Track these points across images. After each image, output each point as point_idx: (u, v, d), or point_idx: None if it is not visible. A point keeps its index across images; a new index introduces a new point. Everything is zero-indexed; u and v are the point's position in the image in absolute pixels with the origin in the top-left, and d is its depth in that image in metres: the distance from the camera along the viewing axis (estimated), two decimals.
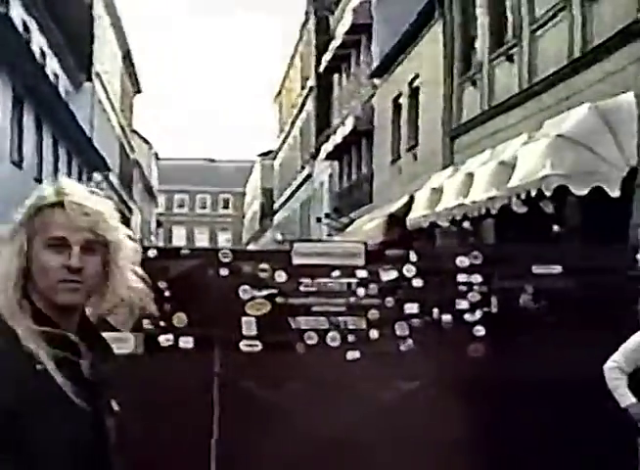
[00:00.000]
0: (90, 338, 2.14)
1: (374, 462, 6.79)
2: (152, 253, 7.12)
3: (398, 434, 6.79)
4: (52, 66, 28.42)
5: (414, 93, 21.67)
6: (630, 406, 5.28)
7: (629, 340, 5.45)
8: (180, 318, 7.00)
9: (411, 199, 14.88)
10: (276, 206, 56.52)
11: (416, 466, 6.77)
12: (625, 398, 5.30)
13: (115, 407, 2.18)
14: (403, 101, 22.79)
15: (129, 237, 2.16)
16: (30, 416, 1.93)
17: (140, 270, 2.17)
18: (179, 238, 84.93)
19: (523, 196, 9.61)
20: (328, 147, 32.43)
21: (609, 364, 5.41)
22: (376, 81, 26.21)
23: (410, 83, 21.98)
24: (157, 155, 75.85)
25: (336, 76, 35.45)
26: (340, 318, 7.05)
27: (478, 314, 7.03)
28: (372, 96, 27.00)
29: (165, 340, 6.95)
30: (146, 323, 6.93)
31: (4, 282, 2.02)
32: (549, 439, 6.82)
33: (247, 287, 7.06)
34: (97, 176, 36.29)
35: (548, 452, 6.79)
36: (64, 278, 2.03)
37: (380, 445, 6.77)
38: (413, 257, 7.13)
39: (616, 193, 8.71)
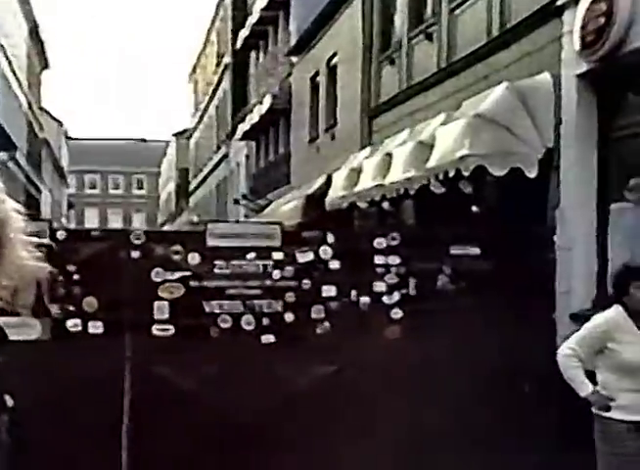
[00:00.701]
0: None
1: (289, 447, 6.78)
2: (60, 234, 6.96)
3: (315, 418, 6.80)
4: None
5: (332, 71, 21.63)
6: (590, 395, 5.07)
7: (584, 326, 5.33)
8: (90, 303, 6.87)
9: (329, 179, 14.87)
10: (192, 186, 56.02)
11: (331, 450, 6.79)
12: (585, 386, 5.10)
13: (9, 403, 2.04)
14: (321, 79, 22.75)
15: (17, 211, 2.02)
16: None
17: (30, 241, 2.03)
18: (91, 220, 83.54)
19: (441, 176, 9.68)
20: (244, 126, 32.21)
21: (565, 352, 5.21)
22: (293, 59, 26.11)
23: (328, 61, 21.93)
24: (67, 134, 74.34)
25: (253, 54, 35.19)
26: (255, 301, 7.02)
27: (395, 296, 7.08)
28: (290, 74, 26.90)
29: (74, 325, 6.81)
30: (54, 308, 6.79)
31: None
32: (467, 420, 6.90)
33: (159, 270, 6.97)
34: (2, 155, 35.37)
35: (465, 434, 6.88)
36: None
37: (296, 429, 6.77)
38: (330, 238, 7.13)
39: (533, 174, 8.83)
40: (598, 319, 5.32)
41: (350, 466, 6.81)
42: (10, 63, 37.89)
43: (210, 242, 7.04)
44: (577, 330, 5.42)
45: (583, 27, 8.35)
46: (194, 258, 6.99)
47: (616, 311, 5.17)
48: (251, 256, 7.03)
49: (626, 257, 8.14)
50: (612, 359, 5.08)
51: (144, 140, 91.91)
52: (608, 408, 5.05)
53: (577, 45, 8.48)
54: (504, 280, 7.23)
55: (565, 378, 5.20)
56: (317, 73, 23.21)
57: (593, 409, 5.16)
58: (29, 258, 2.01)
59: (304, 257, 7.09)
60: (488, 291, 7.22)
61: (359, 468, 6.83)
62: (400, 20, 16.02)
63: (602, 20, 7.99)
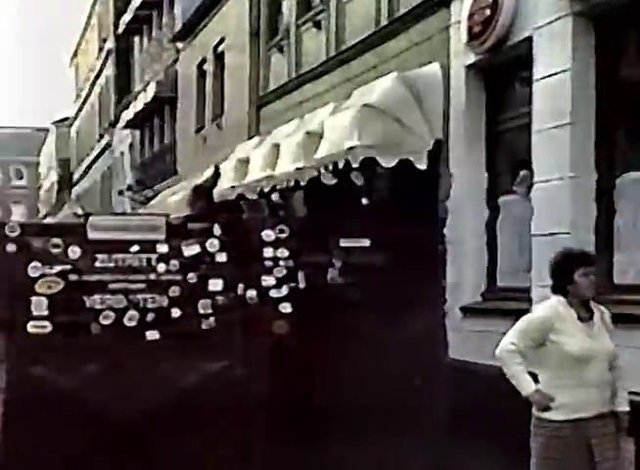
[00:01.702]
0: None
1: (174, 446, 6.70)
2: None
3: (201, 416, 6.73)
4: None
5: (219, 59, 21.45)
6: (533, 394, 4.82)
7: (523, 319, 5.08)
8: None
9: (217, 170, 14.74)
10: (75, 177, 54.84)
11: (219, 448, 6.75)
12: (528, 384, 4.86)
13: None
14: (208, 67, 22.53)
15: None
16: None
17: None
18: None
19: (331, 167, 9.69)
20: (128, 114, 31.64)
21: (507, 347, 4.94)
22: (179, 45, 25.79)
23: (215, 48, 21.73)
24: None
25: (136, 39, 34.59)
26: (138, 296, 6.89)
27: (284, 290, 7.06)
28: (175, 61, 26.57)
29: None
30: None
31: None
32: (354, 415, 6.94)
33: (37, 264, 6.77)
34: None
35: (354, 427, 6.93)
36: None
37: (181, 428, 6.69)
38: (217, 230, 7.06)
39: (422, 165, 8.93)
40: (538, 311, 5.18)
41: (237, 463, 6.78)
42: None
43: (92, 235, 6.88)
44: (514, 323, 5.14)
45: (470, 18, 8.49)
46: (74, 252, 6.82)
47: (556, 301, 4.99)
48: (134, 248, 6.90)
49: (515, 249, 8.35)
50: (553, 353, 4.90)
51: (22, 127, 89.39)
52: (547, 408, 4.87)
53: (465, 36, 8.62)
54: (394, 273, 7.29)
55: (507, 375, 4.96)
56: (204, 61, 22.98)
57: (533, 410, 4.95)
58: None
59: (190, 249, 7.00)
60: (379, 283, 7.27)
61: (245, 465, 6.81)
62: (288, 6, 16.00)
63: (488, 11, 8.14)
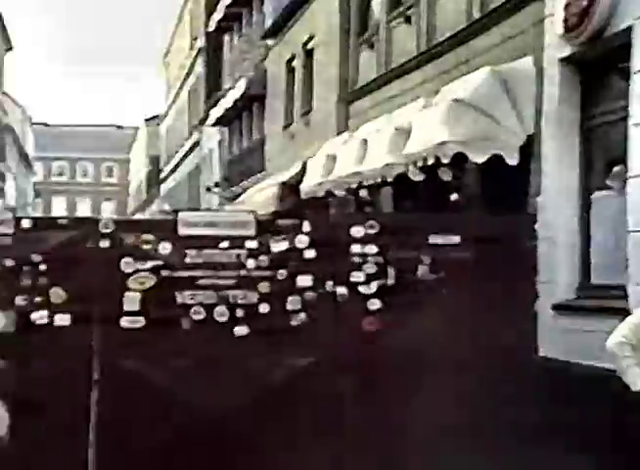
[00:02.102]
0: None
1: (263, 440, 6.77)
2: (26, 223, 6.91)
3: (289, 412, 6.79)
4: None
5: (308, 55, 21.54)
6: None
7: (636, 313, 4.97)
8: (57, 294, 6.81)
9: (304, 166, 14.83)
10: (163, 174, 55.74)
11: (307, 445, 6.80)
12: (637, 379, 4.74)
13: None
14: (297, 63, 22.65)
15: None
16: None
17: None
18: (59, 209, 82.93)
19: (420, 163, 9.67)
20: (218, 112, 32.04)
21: (617, 340, 4.84)
22: (269, 42, 25.99)
23: (304, 45, 21.84)
24: (31, 119, 73.73)
25: (227, 37, 35.00)
26: (228, 292, 6.98)
27: (373, 287, 7.07)
28: (265, 58, 26.78)
29: (40, 317, 6.75)
30: (19, 300, 6.74)
31: None
32: (442, 414, 6.91)
33: (129, 259, 6.92)
34: None
35: (441, 427, 6.90)
36: None
37: (270, 424, 6.76)
38: (306, 227, 7.11)
39: (514, 161, 8.84)
40: None
41: (325, 460, 6.82)
42: None
43: (182, 231, 7.01)
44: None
45: (566, 9, 8.34)
46: (165, 248, 6.95)
47: None
48: (224, 245, 7.00)
49: (610, 246, 8.19)
50: None
51: (114, 126, 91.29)
52: None
53: (560, 28, 8.47)
54: (484, 269, 7.24)
55: (617, 369, 4.90)
56: (293, 57, 23.10)
57: None
58: None
59: (279, 246, 7.07)
60: (469, 280, 7.23)
61: (334, 462, 6.84)
62: (378, 1, 15.98)
63: (585, 2, 7.98)
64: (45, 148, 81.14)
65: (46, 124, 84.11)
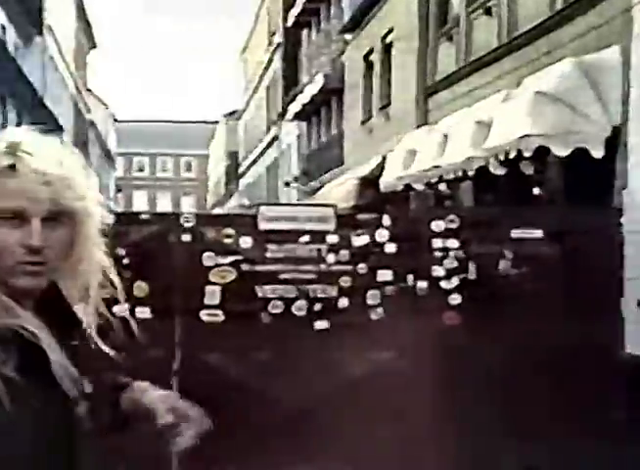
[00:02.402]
0: (55, 316, 1.84)
1: (343, 437, 6.76)
2: (109, 218, 6.99)
3: (369, 407, 6.76)
4: None
5: (387, 49, 21.49)
6: None
7: None
8: (140, 287, 6.90)
9: (384, 160, 14.79)
10: (242, 169, 56.24)
11: (387, 440, 6.77)
12: None
13: (88, 389, 1.90)
14: (375, 57, 22.61)
15: (100, 204, 1.89)
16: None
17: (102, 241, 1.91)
18: (140, 203, 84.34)
19: (501, 157, 9.56)
20: (296, 107, 32.21)
21: None
22: (347, 37, 25.98)
23: (383, 38, 21.79)
24: (114, 116, 75.08)
25: (304, 32, 35.13)
26: (308, 286, 6.99)
27: (454, 281, 7.00)
28: (342, 52, 26.79)
29: (121, 310, 6.84)
30: (102, 293, 6.84)
31: None
32: (526, 409, 6.82)
33: (211, 253, 6.97)
34: None
35: (527, 422, 6.80)
36: (23, 260, 1.72)
37: (350, 419, 6.74)
38: (386, 221, 7.07)
39: (599, 153, 8.68)
40: None
41: (405, 453, 6.78)
42: (57, 44, 38.35)
43: (262, 225, 7.03)
44: None
45: None
46: (246, 242, 6.99)
47: None
48: (304, 239, 7.00)
49: None
50: None
51: (193, 122, 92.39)
52: None
53: None
54: (568, 264, 7.11)
55: None
56: (371, 51, 23.06)
57: None
58: (103, 255, 1.90)
59: (360, 240, 7.04)
60: (552, 276, 7.11)
61: (416, 456, 6.80)
62: None
63: None
64: (126, 144, 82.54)
65: (128, 120, 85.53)
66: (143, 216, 7.24)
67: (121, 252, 6.83)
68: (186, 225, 7.00)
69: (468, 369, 6.80)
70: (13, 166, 1.73)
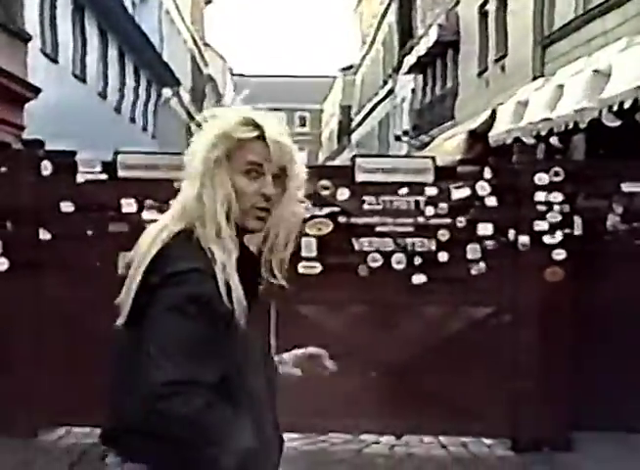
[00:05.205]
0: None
1: (437, 391, 6.69)
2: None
3: (468, 363, 6.66)
4: None
5: None
6: None
7: None
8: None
9: (494, 113, 14.44)
10: (354, 123, 56.05)
11: (485, 396, 6.66)
12: None
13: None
14: (490, 7, 22.07)
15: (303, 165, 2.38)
16: (245, 366, 2.22)
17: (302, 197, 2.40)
18: None
19: (616, 107, 9.17)
20: (411, 59, 31.77)
21: None
22: None
23: None
24: (231, 70, 75.74)
25: None
26: (406, 239, 6.88)
27: (558, 236, 6.77)
28: (457, 3, 26.25)
29: None
30: None
31: (215, 209, 2.19)
32: (630, 370, 6.60)
33: (307, 205, 6.90)
34: (167, 91, 36.40)
35: (628, 379, 6.59)
36: (258, 205, 2.26)
37: (448, 375, 6.65)
38: (487, 173, 6.88)
39: None
40: None
41: (500, 410, 6.68)
42: None
43: (360, 177, 6.94)
44: None
45: None
46: (343, 194, 6.91)
47: None
48: (402, 191, 6.87)
49: None
50: None
51: (308, 76, 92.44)
52: None
53: None
54: None
55: None
56: (486, 1, 22.55)
57: None
58: (300, 208, 2.41)
59: (460, 193, 6.88)
60: None
61: (515, 408, 6.69)
62: None
63: None
64: (240, 98, 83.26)
65: (243, 75, 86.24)
66: None
67: None
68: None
69: (570, 325, 6.59)
70: (259, 137, 2.26)
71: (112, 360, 2.24)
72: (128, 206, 6.84)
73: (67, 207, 6.87)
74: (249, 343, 2.23)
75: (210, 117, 2.33)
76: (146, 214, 6.75)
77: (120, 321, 2.18)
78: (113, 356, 2.24)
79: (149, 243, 2.20)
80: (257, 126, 2.27)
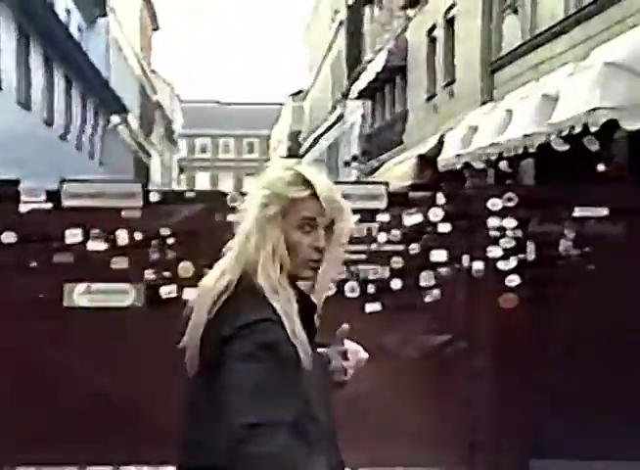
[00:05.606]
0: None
1: (396, 424, 6.57)
2: (153, 196, 6.88)
3: (422, 392, 6.56)
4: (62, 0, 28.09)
5: (450, 24, 21.11)
6: None
7: None
8: (185, 268, 6.77)
9: (441, 139, 14.49)
10: (303, 149, 56.13)
11: (441, 425, 6.57)
12: None
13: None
14: (438, 33, 22.24)
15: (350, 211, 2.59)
16: (315, 404, 2.48)
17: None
18: (203, 184, 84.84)
19: (565, 132, 9.20)
20: (360, 85, 31.91)
21: None
22: (409, 13, 25.62)
23: (445, 13, 21.40)
24: (179, 97, 75.55)
25: (367, 9, 34.77)
26: (359, 267, 6.78)
27: (512, 262, 6.73)
28: (405, 29, 26.43)
29: (168, 291, 6.73)
30: (148, 273, 6.74)
31: (269, 264, 2.45)
32: (586, 395, 6.55)
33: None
34: (115, 118, 36.11)
35: (586, 405, 6.54)
36: (312, 257, 2.53)
37: (402, 405, 6.54)
38: (440, 199, 6.82)
39: None
40: None
41: (462, 438, 6.59)
42: (121, 25, 38.57)
43: None
44: None
45: None
46: None
47: None
48: (354, 218, 6.77)
49: None
50: None
51: (255, 103, 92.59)
52: None
53: None
54: (635, 245, 6.79)
55: None
56: (434, 27, 22.73)
57: None
58: (343, 255, 2.68)
59: (412, 219, 6.81)
60: (617, 256, 6.79)
61: (472, 437, 6.61)
62: None
63: None
64: (189, 125, 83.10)
65: (191, 101, 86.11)
66: (188, 195, 7.09)
67: (166, 231, 6.73)
68: (232, 204, 6.82)
69: (524, 352, 6.54)
70: (313, 194, 2.48)
71: (185, 407, 2.53)
72: (73, 236, 6.67)
73: (8, 237, 6.67)
74: (314, 381, 2.47)
75: (261, 175, 2.62)
76: (91, 244, 6.59)
77: (193, 371, 2.51)
78: (186, 403, 2.53)
79: (211, 291, 2.54)
80: (309, 184, 2.48)
